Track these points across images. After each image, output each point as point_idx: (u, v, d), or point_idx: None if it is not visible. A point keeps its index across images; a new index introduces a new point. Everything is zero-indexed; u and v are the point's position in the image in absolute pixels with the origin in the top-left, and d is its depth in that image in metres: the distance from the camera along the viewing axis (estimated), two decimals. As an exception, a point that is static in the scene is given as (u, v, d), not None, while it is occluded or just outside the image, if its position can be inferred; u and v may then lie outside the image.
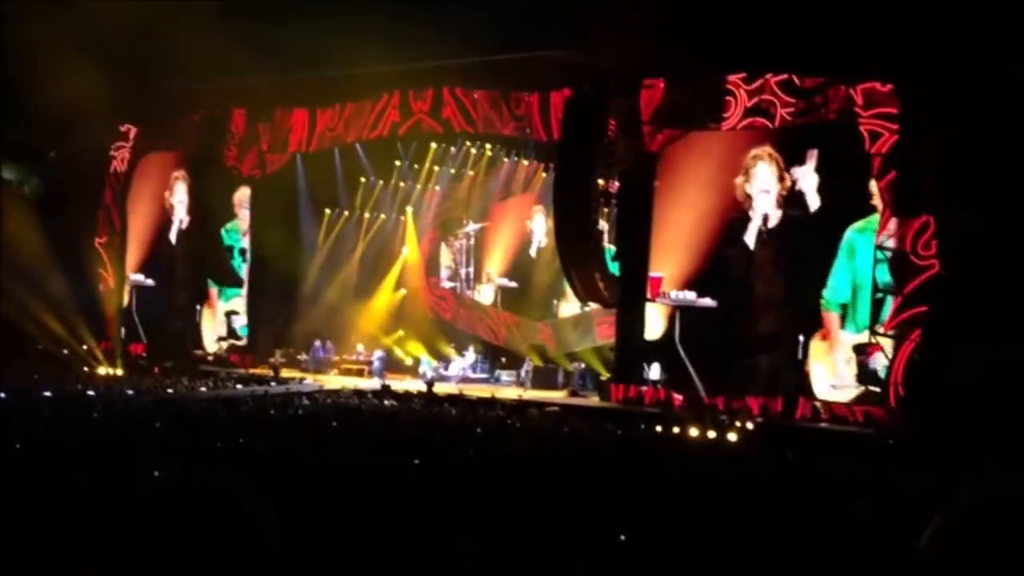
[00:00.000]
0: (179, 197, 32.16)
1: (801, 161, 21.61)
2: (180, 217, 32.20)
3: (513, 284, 30.44)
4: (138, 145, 32.49)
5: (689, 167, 22.83)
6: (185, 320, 31.63)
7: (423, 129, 27.73)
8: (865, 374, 20.61)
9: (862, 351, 20.68)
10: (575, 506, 8.38)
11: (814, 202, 21.59)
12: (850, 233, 21.06)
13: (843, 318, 21.19)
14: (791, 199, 21.73)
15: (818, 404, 20.85)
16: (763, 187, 22.09)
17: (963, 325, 18.13)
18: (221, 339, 31.27)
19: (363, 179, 31.19)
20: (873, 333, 20.36)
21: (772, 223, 22.06)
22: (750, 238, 22.33)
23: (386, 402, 22.43)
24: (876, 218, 20.52)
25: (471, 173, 30.38)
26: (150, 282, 32.31)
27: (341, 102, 28.61)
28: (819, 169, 21.38)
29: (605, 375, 25.37)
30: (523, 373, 26.94)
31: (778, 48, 20.45)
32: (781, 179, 21.89)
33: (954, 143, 18.91)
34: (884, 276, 20.22)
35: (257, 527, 1.63)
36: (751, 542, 7.07)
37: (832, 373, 21.14)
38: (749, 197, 22.28)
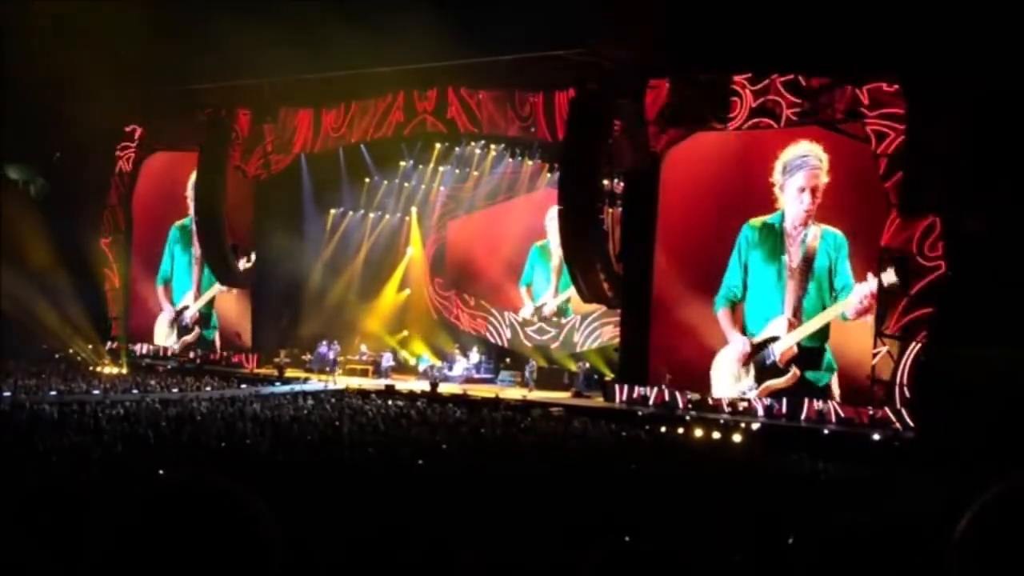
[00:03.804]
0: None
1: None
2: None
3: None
4: (143, 145, 32.55)
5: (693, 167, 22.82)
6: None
7: (428, 129, 27.71)
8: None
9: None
10: (577, 506, 8.35)
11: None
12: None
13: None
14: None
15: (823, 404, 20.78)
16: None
17: (970, 326, 18.01)
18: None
19: (367, 179, 31.16)
20: (879, 335, 20.27)
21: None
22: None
23: (390, 402, 22.39)
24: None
25: (476, 173, 30.34)
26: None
27: (346, 102, 28.60)
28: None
29: (609, 376, 25.32)
30: (528, 374, 26.91)
31: (784, 48, 20.36)
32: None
33: (961, 144, 18.80)
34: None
35: (258, 531, 1.61)
36: (749, 542, 7.04)
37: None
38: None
